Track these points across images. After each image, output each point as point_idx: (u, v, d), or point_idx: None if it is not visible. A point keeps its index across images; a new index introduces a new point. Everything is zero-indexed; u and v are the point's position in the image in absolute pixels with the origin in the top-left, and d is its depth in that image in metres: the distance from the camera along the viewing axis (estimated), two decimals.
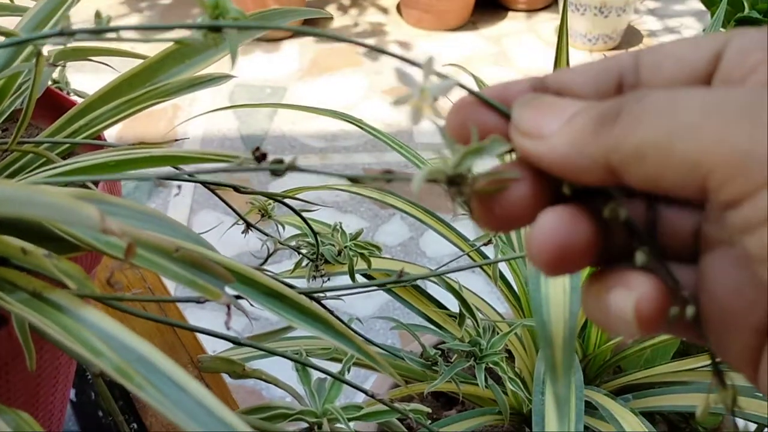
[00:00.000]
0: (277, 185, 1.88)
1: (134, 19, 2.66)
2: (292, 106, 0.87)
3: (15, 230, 0.33)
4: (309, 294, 0.40)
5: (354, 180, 0.32)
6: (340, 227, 0.72)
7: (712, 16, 0.94)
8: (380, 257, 0.83)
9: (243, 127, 2.08)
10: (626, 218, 0.23)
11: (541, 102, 0.23)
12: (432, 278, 0.66)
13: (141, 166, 0.40)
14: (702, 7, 2.80)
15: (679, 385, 0.70)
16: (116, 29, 0.32)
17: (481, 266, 0.47)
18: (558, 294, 0.33)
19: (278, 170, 0.34)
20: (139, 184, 1.96)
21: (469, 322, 0.55)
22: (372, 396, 0.43)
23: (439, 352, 0.52)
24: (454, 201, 0.25)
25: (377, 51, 0.27)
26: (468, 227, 0.83)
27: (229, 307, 0.31)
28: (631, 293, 0.22)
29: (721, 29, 0.91)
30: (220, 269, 0.33)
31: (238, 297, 0.37)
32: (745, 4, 0.94)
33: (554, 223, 0.22)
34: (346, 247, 0.69)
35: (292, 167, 0.34)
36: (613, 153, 0.21)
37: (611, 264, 0.24)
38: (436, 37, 2.60)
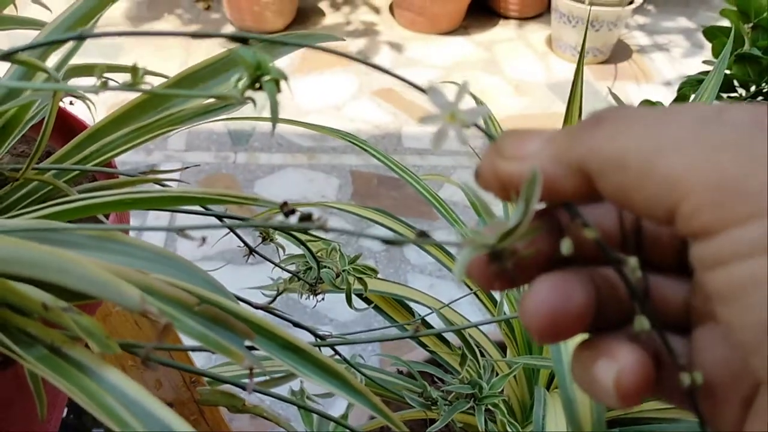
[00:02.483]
0: (265, 183, 1.86)
1: (123, 5, 2.62)
2: (277, 120, 0.86)
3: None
4: (322, 345, 0.40)
5: (388, 242, 0.32)
6: (339, 249, 0.72)
7: (713, 51, 0.94)
8: (379, 279, 0.83)
9: (230, 122, 2.06)
10: (628, 281, 0.23)
11: (523, 131, 0.23)
12: (440, 317, 0.66)
13: (156, 205, 0.39)
14: (690, 24, 2.83)
15: (666, 422, 0.71)
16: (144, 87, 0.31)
17: (494, 322, 0.47)
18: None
19: (307, 228, 0.33)
20: None
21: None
22: None
23: (440, 392, 0.52)
24: (495, 273, 0.24)
25: (375, 67, 0.27)
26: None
27: (251, 370, 0.31)
28: (614, 365, 0.22)
29: (726, 71, 0.92)
30: (242, 326, 0.32)
31: (252, 348, 0.36)
32: (746, 41, 0.94)
33: (548, 291, 0.22)
34: (344, 270, 0.69)
35: (322, 227, 0.33)
36: (592, 156, 0.20)
37: (604, 331, 0.24)
38: (427, 40, 2.60)
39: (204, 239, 0.44)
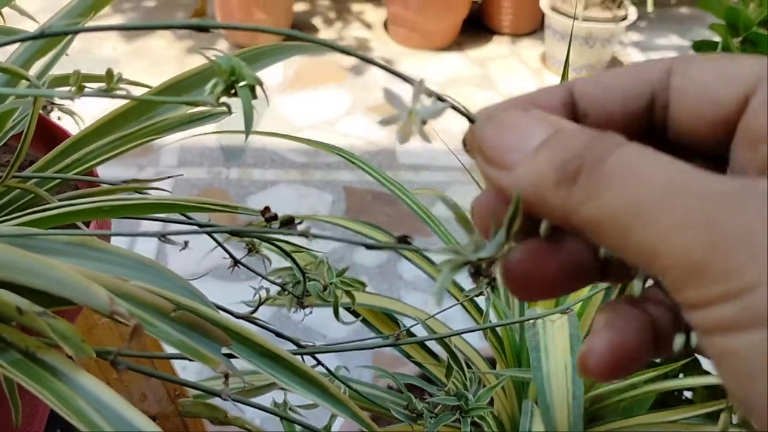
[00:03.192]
0: (257, 199, 1.86)
1: (116, 21, 2.63)
2: (272, 134, 0.86)
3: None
4: (304, 353, 0.39)
5: (370, 247, 0.32)
6: (327, 262, 0.71)
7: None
8: (364, 292, 0.82)
9: (223, 138, 2.07)
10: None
11: (504, 121, 0.22)
12: (423, 327, 0.66)
13: (135, 213, 0.39)
14: (683, 42, 2.85)
15: None
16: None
17: (480, 329, 0.47)
18: (560, 372, 0.32)
19: (289, 234, 0.33)
20: None
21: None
22: None
23: (427, 405, 0.51)
24: (479, 284, 0.25)
25: (368, 62, 0.27)
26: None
27: (226, 377, 0.30)
28: (587, 343, 0.22)
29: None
30: (218, 332, 0.32)
31: (231, 356, 0.36)
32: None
33: (527, 253, 0.22)
34: (331, 283, 0.68)
35: (304, 234, 0.33)
36: (571, 215, 0.20)
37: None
38: (421, 56, 2.61)
39: (186, 243, 0.43)
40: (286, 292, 0.66)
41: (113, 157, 0.45)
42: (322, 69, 2.47)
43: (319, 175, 1.97)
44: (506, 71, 2.57)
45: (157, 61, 2.43)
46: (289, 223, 0.33)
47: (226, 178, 1.94)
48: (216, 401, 0.49)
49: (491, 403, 0.74)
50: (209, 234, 0.52)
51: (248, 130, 0.31)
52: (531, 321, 0.38)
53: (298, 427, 0.46)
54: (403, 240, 0.29)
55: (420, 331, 0.75)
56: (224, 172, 1.96)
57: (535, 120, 0.22)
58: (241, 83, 0.29)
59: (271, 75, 2.42)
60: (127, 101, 0.49)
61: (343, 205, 1.87)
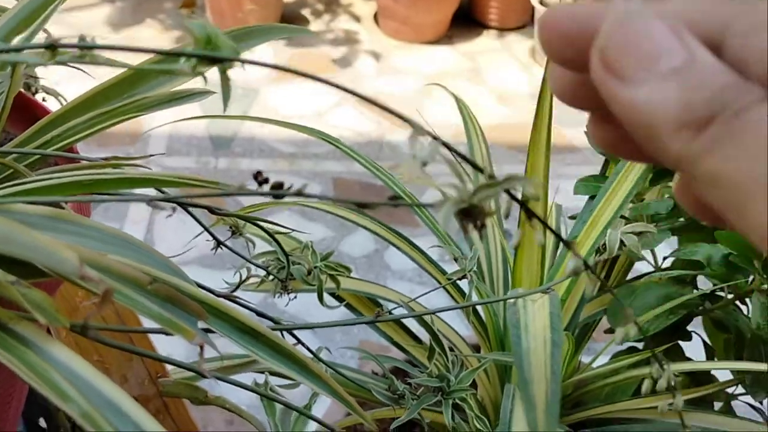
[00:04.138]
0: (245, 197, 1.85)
1: (105, 10, 2.61)
2: (263, 120, 0.86)
3: None
4: (282, 329, 0.39)
5: (361, 205, 0.32)
6: (311, 246, 0.71)
7: None
8: (349, 277, 0.82)
9: (212, 127, 2.06)
10: None
11: (641, 28, 0.19)
12: (405, 308, 0.66)
13: (115, 187, 0.39)
14: None
15: (638, 422, 0.71)
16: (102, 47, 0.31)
17: (458, 308, 0.47)
18: (539, 348, 0.32)
19: (280, 195, 0.33)
20: None
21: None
22: (332, 430, 0.42)
23: (408, 385, 0.51)
24: (467, 228, 0.26)
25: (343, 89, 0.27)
26: (434, 251, 0.82)
27: (202, 348, 0.30)
28: None
29: None
30: (195, 305, 0.32)
31: (209, 331, 0.36)
32: None
33: None
34: (316, 267, 0.68)
35: (300, 193, 0.33)
36: (685, 160, 0.18)
37: None
38: (411, 49, 2.60)
39: (174, 209, 0.43)
40: (271, 277, 0.65)
41: (94, 133, 0.45)
42: (311, 61, 2.46)
43: (307, 166, 1.96)
44: (496, 65, 2.57)
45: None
46: (279, 187, 0.33)
47: (214, 167, 1.93)
48: (203, 383, 0.49)
49: (475, 387, 0.75)
50: (189, 212, 0.52)
51: (226, 104, 0.30)
52: (512, 300, 0.38)
53: (279, 408, 0.46)
54: (394, 198, 0.30)
55: (410, 323, 0.75)
56: (212, 161, 1.96)
57: (674, 37, 0.19)
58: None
59: (262, 67, 2.41)
60: (107, 80, 0.49)
61: (331, 195, 1.86)
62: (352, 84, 2.35)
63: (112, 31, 2.53)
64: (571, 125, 2.22)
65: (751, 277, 0.72)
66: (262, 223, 0.51)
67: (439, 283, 0.60)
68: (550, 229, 0.29)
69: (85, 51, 0.31)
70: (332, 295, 0.77)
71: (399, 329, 0.76)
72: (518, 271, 0.67)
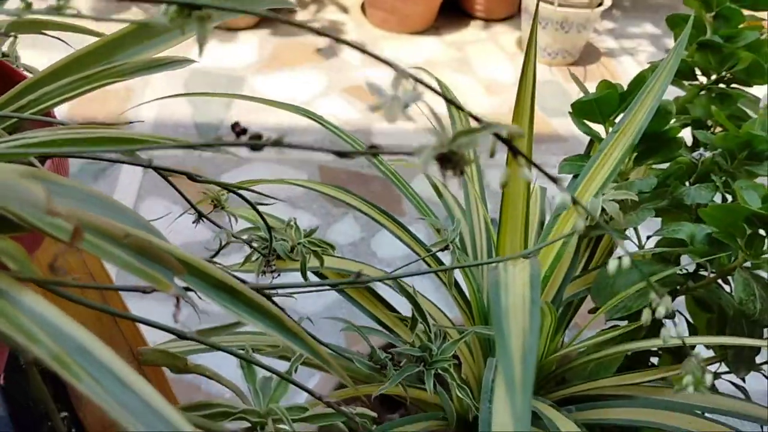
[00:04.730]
0: (231, 177, 1.85)
1: None
2: (251, 98, 0.86)
3: None
4: (260, 290, 0.39)
5: (341, 155, 0.32)
6: (294, 223, 0.71)
7: (675, 38, 0.95)
8: (333, 256, 0.82)
9: (197, 115, 2.05)
10: None
11: None
12: (387, 281, 0.66)
13: (92, 146, 0.38)
14: (656, 31, 2.87)
15: (622, 398, 0.71)
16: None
17: (436, 272, 0.47)
18: (518, 306, 0.32)
19: (257, 146, 0.33)
20: (84, 166, 1.90)
21: (420, 326, 0.54)
22: (319, 398, 0.42)
23: (389, 356, 0.51)
24: (445, 175, 0.28)
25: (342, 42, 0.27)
26: (421, 230, 0.82)
27: (178, 300, 0.30)
28: None
29: (684, 51, 0.93)
30: (171, 259, 0.32)
31: (187, 289, 0.35)
32: (708, 28, 0.95)
33: None
34: (299, 243, 0.68)
35: (278, 143, 0.33)
36: None
37: None
38: (399, 39, 2.60)
39: (151, 162, 0.42)
40: (255, 257, 0.65)
41: (72, 98, 0.45)
42: (298, 50, 2.45)
43: (294, 154, 1.95)
44: (483, 55, 2.57)
45: None
46: (257, 138, 0.32)
47: (199, 155, 1.92)
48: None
49: (459, 366, 0.74)
50: (168, 180, 0.51)
51: (202, 50, 0.30)
52: (494, 265, 0.38)
53: (259, 377, 0.46)
54: (374, 147, 0.30)
55: (400, 305, 0.75)
56: (198, 149, 1.94)
57: None
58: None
59: (246, 55, 2.40)
60: (85, 46, 0.48)
61: (317, 183, 1.86)
62: (338, 74, 2.34)
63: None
64: (557, 115, 2.22)
65: (733, 257, 0.73)
66: (242, 192, 0.51)
67: (425, 261, 0.60)
68: (535, 165, 0.29)
69: (61, 2, 0.31)
70: (317, 274, 0.77)
71: (386, 310, 0.76)
72: (501, 248, 0.67)
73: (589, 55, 2.63)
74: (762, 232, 0.69)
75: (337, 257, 0.82)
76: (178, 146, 0.38)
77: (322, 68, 2.36)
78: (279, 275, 0.68)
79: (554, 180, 0.33)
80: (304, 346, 0.35)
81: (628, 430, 0.80)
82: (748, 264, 0.71)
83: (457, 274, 0.78)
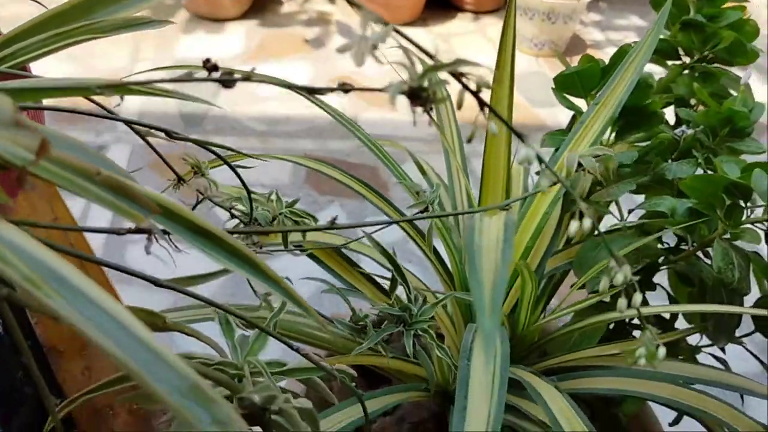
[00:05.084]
0: (214, 171, 1.84)
1: None
2: (259, 77, 0.85)
3: None
4: (236, 232, 0.39)
5: (311, 91, 0.33)
6: (276, 194, 0.71)
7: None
8: (315, 229, 0.82)
9: (183, 105, 2.04)
10: None
11: None
12: (367, 250, 0.66)
13: (67, 94, 0.38)
14: (643, 23, 2.88)
15: (602, 369, 0.71)
16: None
17: (411, 220, 0.47)
18: (491, 245, 0.32)
19: (228, 82, 0.33)
20: None
21: (400, 290, 0.54)
22: (296, 350, 0.42)
23: (368, 315, 0.51)
24: (414, 110, 0.28)
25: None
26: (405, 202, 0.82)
27: (149, 233, 0.30)
28: None
29: (665, 31, 0.94)
30: (144, 198, 0.32)
31: (165, 232, 0.35)
32: (691, 8, 0.96)
33: None
34: (281, 213, 0.68)
35: (248, 78, 0.33)
36: None
37: None
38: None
39: (122, 98, 0.42)
40: (232, 216, 0.65)
41: (47, 53, 0.44)
42: (285, 41, 2.45)
43: (279, 144, 1.95)
44: (471, 47, 2.58)
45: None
46: (229, 74, 0.33)
47: (185, 145, 1.92)
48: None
49: (441, 339, 0.75)
50: (145, 140, 0.51)
51: None
52: (472, 215, 0.38)
53: (237, 333, 0.46)
54: (344, 85, 0.30)
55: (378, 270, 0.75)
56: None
57: None
58: None
59: (233, 46, 2.39)
60: (63, 4, 0.48)
61: (303, 172, 1.86)
62: (325, 64, 2.34)
63: None
64: (543, 105, 2.23)
65: (713, 228, 0.73)
66: (217, 149, 0.51)
67: (400, 227, 0.60)
68: (500, 118, 0.29)
69: None
70: (298, 248, 0.77)
71: (366, 281, 0.76)
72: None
73: (575, 46, 2.64)
74: (741, 202, 0.70)
75: (319, 230, 0.82)
76: (155, 94, 0.38)
77: (310, 59, 2.36)
78: (261, 247, 0.68)
79: (519, 136, 0.33)
80: (279, 289, 0.35)
81: (609, 402, 0.80)
82: (727, 235, 0.71)
83: (441, 248, 0.79)
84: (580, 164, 0.50)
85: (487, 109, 0.31)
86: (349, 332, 0.51)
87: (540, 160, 0.32)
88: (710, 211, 0.70)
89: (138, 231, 0.37)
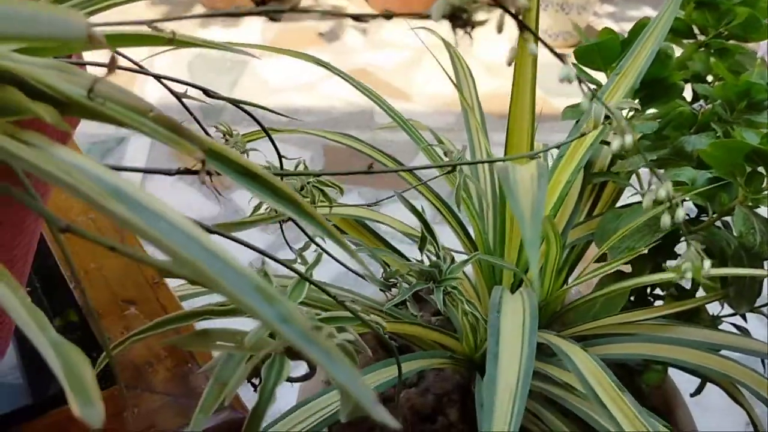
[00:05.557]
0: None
1: None
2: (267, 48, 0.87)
3: None
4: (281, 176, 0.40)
5: (357, 17, 0.34)
6: (304, 163, 0.73)
7: None
8: (342, 205, 0.84)
9: (202, 97, 2.06)
10: None
11: None
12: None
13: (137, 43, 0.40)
14: (656, 14, 2.89)
15: (626, 335, 0.72)
16: None
17: (445, 173, 0.48)
18: (526, 181, 0.34)
19: (275, 13, 0.34)
20: (91, 147, 1.92)
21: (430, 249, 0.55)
22: (334, 297, 0.43)
23: (399, 271, 0.52)
24: (456, 32, 0.30)
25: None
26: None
27: (203, 162, 0.31)
28: None
29: (680, 11, 0.94)
30: (196, 135, 0.33)
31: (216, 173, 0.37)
32: None
33: None
34: (308, 183, 0.69)
35: (294, 9, 0.34)
36: None
37: None
38: (399, 23, 2.61)
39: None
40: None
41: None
42: (300, 35, 2.47)
43: (298, 136, 1.97)
44: (484, 37, 2.58)
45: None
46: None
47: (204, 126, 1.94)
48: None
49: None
50: (172, 91, 0.52)
51: None
52: (502, 164, 0.39)
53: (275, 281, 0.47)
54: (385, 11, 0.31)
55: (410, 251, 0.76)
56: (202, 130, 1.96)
57: None
58: None
59: (249, 39, 2.41)
60: None
61: (321, 161, 1.88)
62: (341, 57, 2.36)
63: None
64: (559, 95, 2.24)
65: (733, 196, 0.74)
66: (249, 118, 0.52)
67: (417, 190, 0.61)
68: (541, 41, 0.30)
69: None
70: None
71: (397, 256, 0.77)
72: (510, 148, 0.68)
73: (589, 38, 2.64)
74: (761, 169, 0.70)
75: (347, 205, 0.84)
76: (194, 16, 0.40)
77: (325, 52, 2.38)
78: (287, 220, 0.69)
79: (559, 56, 0.34)
80: (320, 227, 0.36)
81: (632, 372, 0.81)
82: (748, 203, 0.72)
83: (465, 219, 0.80)
84: (607, 117, 0.51)
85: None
86: (380, 287, 0.52)
87: (579, 79, 0.34)
88: (731, 179, 0.71)
89: (188, 171, 0.39)
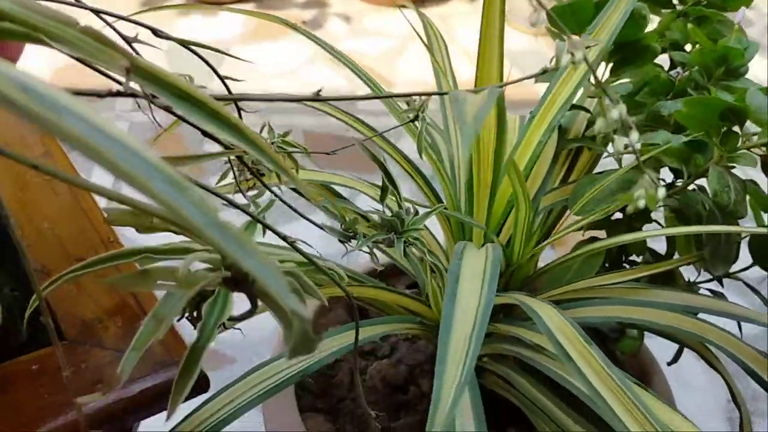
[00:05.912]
0: (212, 148, 1.84)
1: None
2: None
3: None
4: (227, 99, 0.39)
5: None
6: (268, 125, 0.71)
7: None
8: (309, 170, 0.82)
9: (154, 41, 2.04)
10: None
11: None
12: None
13: None
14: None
15: (599, 299, 0.71)
16: None
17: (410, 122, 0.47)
18: (476, 98, 0.32)
19: None
20: None
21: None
22: (284, 239, 0.42)
23: (358, 220, 0.51)
24: None
25: None
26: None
27: (128, 70, 0.30)
28: None
29: None
30: (123, 48, 0.31)
31: (154, 97, 0.35)
32: None
33: None
34: (273, 143, 0.68)
35: None
36: None
37: None
38: (383, 12, 2.60)
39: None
40: (225, 148, 0.65)
41: None
42: (280, 24, 2.45)
43: (278, 120, 1.95)
44: (467, 27, 2.57)
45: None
46: None
47: (181, 122, 1.92)
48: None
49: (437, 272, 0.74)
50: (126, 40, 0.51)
51: None
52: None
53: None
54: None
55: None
56: None
57: None
58: None
59: (231, 26, 2.39)
60: None
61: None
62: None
63: None
64: (542, 82, 2.23)
65: (708, 157, 0.73)
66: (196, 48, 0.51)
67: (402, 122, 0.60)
68: None
69: None
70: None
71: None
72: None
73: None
74: (736, 128, 0.69)
75: (314, 170, 0.82)
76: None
77: (307, 39, 2.36)
78: (257, 190, 0.67)
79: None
80: (264, 154, 0.34)
81: (606, 339, 0.80)
82: (724, 163, 0.71)
83: (438, 188, 0.79)
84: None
85: None
86: (341, 237, 0.50)
87: (551, 30, 0.32)
88: (706, 139, 0.70)
89: (121, 94, 0.37)
